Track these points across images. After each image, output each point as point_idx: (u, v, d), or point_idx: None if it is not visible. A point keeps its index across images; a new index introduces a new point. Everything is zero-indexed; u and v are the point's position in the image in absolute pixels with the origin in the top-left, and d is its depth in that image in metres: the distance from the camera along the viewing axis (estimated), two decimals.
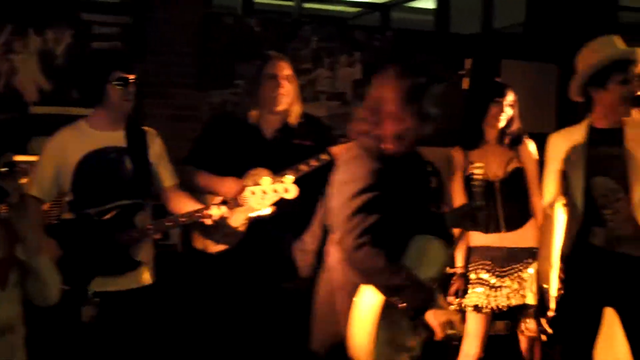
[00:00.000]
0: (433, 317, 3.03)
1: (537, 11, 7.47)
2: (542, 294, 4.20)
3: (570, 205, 3.97)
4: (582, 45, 3.93)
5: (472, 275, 4.49)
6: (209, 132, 4.32)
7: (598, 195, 3.82)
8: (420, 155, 3.36)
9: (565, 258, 3.98)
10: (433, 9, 7.70)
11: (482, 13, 7.46)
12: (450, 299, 4.43)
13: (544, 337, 4.39)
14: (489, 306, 4.43)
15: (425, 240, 3.13)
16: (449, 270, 4.35)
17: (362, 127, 3.15)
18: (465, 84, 4.91)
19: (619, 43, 3.88)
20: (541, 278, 4.17)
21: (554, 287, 4.05)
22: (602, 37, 3.92)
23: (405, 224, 3.09)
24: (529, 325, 4.47)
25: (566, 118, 4.22)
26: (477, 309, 4.44)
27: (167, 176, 3.97)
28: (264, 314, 4.03)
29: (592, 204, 3.83)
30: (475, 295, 4.45)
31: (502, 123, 4.46)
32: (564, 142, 3.97)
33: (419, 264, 3.05)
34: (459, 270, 4.48)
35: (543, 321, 4.26)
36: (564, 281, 3.99)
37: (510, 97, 4.48)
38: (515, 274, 4.43)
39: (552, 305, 4.06)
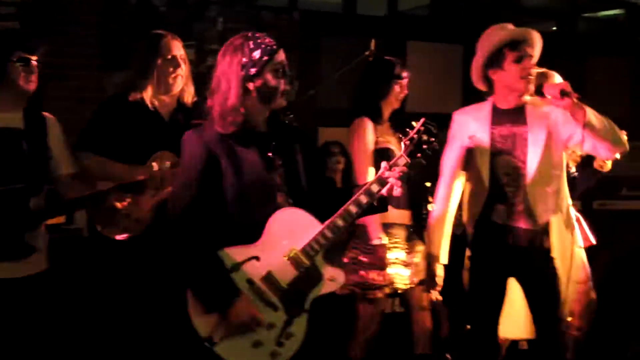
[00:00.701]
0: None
1: None
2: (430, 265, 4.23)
3: (473, 182, 4.06)
4: (486, 26, 4.05)
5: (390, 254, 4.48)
6: (103, 116, 4.13)
7: (502, 173, 3.94)
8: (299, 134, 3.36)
9: (469, 234, 4.08)
10: None
11: None
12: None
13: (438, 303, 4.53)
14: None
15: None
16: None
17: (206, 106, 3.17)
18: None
19: (510, 27, 4.03)
20: (432, 249, 4.21)
21: (443, 258, 4.17)
22: (495, 25, 4.06)
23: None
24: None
25: (471, 98, 4.28)
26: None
27: (64, 164, 3.86)
28: (168, 302, 3.94)
29: (496, 181, 3.94)
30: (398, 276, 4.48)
31: (398, 103, 4.52)
32: (468, 120, 4.08)
33: None
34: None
35: (434, 292, 4.30)
36: (470, 257, 4.09)
37: (406, 77, 4.56)
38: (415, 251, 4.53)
39: (441, 273, 4.19)
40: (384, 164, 3.20)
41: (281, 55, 3.15)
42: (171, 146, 3.83)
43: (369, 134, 4.43)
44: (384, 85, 4.51)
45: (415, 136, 3.20)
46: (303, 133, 3.42)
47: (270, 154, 3.18)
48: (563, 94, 3.74)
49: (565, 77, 4.18)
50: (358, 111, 4.51)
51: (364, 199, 3.17)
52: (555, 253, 3.94)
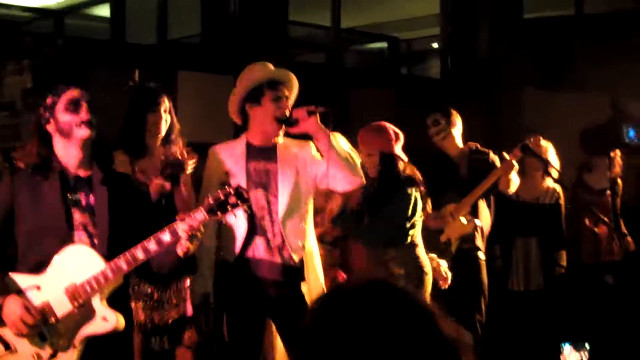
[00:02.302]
0: None
1: (212, 23, 7.59)
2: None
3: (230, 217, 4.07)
4: (255, 57, 4.14)
5: None
6: None
7: (258, 207, 4.07)
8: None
9: (230, 268, 4.10)
10: (109, 17, 7.52)
11: (157, 23, 7.42)
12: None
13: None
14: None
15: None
16: None
17: None
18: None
19: (270, 67, 4.20)
20: (198, 287, 4.19)
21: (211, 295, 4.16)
22: (256, 63, 4.23)
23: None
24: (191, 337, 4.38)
25: (242, 129, 4.32)
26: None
27: None
28: None
29: (253, 215, 4.04)
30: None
31: (162, 131, 4.34)
32: (223, 156, 4.14)
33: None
34: None
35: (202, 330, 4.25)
36: (230, 290, 4.11)
37: (166, 103, 4.37)
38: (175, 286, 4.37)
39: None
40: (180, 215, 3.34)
41: (69, 94, 3.36)
42: None
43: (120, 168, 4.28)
44: (139, 114, 4.29)
45: (222, 197, 3.30)
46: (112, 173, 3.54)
47: (69, 195, 3.32)
48: (310, 113, 3.98)
49: (331, 108, 4.30)
50: (119, 144, 4.30)
51: (152, 246, 3.24)
52: (307, 288, 4.12)
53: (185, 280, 4.27)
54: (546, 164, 5.84)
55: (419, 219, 4.79)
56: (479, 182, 5.41)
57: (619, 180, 6.69)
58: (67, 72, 6.00)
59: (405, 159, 4.81)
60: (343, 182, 4.07)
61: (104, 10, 7.96)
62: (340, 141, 4.18)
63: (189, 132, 4.54)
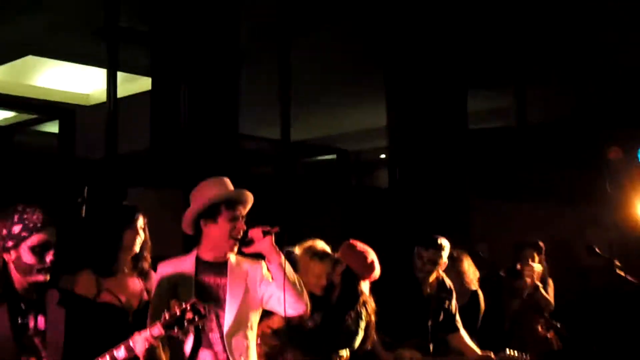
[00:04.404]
0: None
1: (161, 137, 7.64)
2: None
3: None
4: (206, 170, 4.17)
5: None
6: None
7: (205, 320, 4.00)
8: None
9: None
10: (57, 133, 7.54)
11: (107, 138, 7.45)
12: None
13: None
14: None
15: None
16: None
17: None
18: (83, 211, 4.79)
19: (229, 184, 4.23)
20: None
21: None
22: (213, 178, 4.24)
23: None
24: None
25: (192, 243, 4.31)
26: None
27: None
28: None
29: (200, 328, 3.96)
30: None
31: (137, 247, 4.37)
32: (172, 271, 4.13)
33: None
34: None
35: None
36: None
37: (141, 220, 4.42)
38: None
39: None
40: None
41: (40, 237, 3.31)
42: None
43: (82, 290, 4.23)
44: (115, 231, 4.29)
45: (179, 313, 3.38)
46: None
47: (20, 320, 3.31)
48: (265, 233, 4.02)
49: (281, 220, 4.34)
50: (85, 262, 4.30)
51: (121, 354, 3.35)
52: None
53: None
54: None
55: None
56: (443, 327, 5.49)
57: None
58: (16, 188, 5.97)
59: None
60: (289, 307, 4.09)
61: (53, 127, 7.99)
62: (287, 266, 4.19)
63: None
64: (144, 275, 4.37)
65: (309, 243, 4.91)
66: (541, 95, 10.72)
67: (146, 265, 4.36)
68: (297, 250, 4.88)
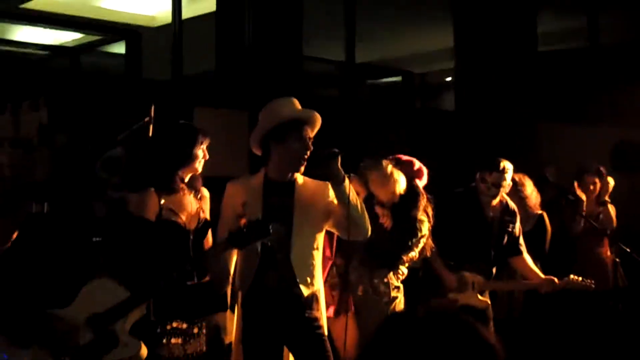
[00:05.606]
0: None
1: (226, 59, 7.63)
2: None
3: (246, 249, 4.07)
4: (271, 92, 4.14)
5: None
6: None
7: (272, 240, 4.00)
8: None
9: (243, 299, 4.12)
10: (124, 54, 7.58)
11: (173, 60, 7.48)
12: None
13: None
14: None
15: None
16: None
17: None
18: (151, 131, 4.80)
19: (296, 104, 4.21)
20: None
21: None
22: (282, 99, 4.23)
23: None
24: None
25: (258, 163, 4.32)
26: None
27: None
28: None
29: (267, 248, 4.05)
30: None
31: (199, 168, 4.38)
32: (241, 190, 4.15)
33: None
34: None
35: None
36: (243, 323, 4.13)
37: (205, 141, 4.41)
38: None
39: None
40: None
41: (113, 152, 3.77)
42: None
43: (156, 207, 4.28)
44: (188, 151, 4.27)
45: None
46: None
47: (94, 238, 3.61)
48: (331, 155, 3.99)
49: (345, 143, 4.31)
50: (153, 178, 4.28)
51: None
52: (324, 320, 4.15)
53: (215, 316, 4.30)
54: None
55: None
56: (506, 251, 5.45)
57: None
58: (83, 109, 6.06)
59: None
60: (351, 232, 4.08)
61: (119, 48, 8.03)
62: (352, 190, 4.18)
63: (206, 166, 4.54)
64: (198, 194, 4.38)
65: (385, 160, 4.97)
66: (613, 17, 10.37)
67: (199, 184, 4.37)
68: (373, 167, 4.93)
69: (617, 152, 8.44)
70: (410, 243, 4.96)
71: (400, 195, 4.95)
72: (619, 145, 8.40)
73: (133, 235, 3.65)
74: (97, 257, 3.58)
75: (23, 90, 6.24)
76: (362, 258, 4.89)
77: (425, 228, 5.02)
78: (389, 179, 4.89)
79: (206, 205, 4.37)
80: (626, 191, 7.43)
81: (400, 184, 4.93)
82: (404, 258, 4.97)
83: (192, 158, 4.31)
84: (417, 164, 5.14)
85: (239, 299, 4.18)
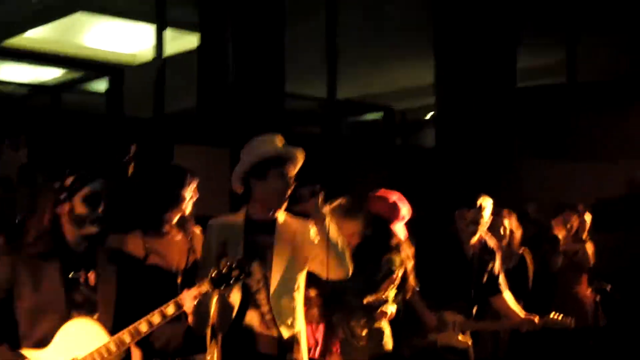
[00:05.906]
0: None
1: (208, 96, 7.64)
2: None
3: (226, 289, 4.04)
4: (252, 129, 4.12)
5: None
6: None
7: (254, 280, 4.01)
8: None
9: (222, 340, 4.08)
10: (105, 92, 7.59)
11: (154, 97, 7.48)
12: None
13: None
14: None
15: None
16: None
17: None
18: (131, 170, 4.78)
19: (279, 141, 4.17)
20: None
21: None
22: (266, 135, 4.19)
23: None
24: None
25: (239, 201, 4.30)
26: None
27: None
28: None
29: (248, 287, 4.00)
30: None
31: (187, 209, 4.35)
32: (222, 229, 4.10)
33: None
34: None
35: None
36: None
37: (193, 182, 4.38)
38: None
39: None
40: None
41: (92, 187, 3.38)
42: None
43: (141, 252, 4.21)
44: (176, 192, 4.22)
45: (225, 270, 3.42)
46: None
47: (71, 274, 3.37)
48: (312, 193, 3.94)
49: (326, 180, 4.31)
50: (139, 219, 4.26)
51: (156, 319, 3.35)
52: None
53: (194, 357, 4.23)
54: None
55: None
56: (486, 290, 5.46)
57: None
58: (63, 147, 6.03)
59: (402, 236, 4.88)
60: (330, 271, 4.06)
61: (100, 86, 8.03)
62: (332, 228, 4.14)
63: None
64: (189, 235, 4.35)
65: (338, 201, 4.85)
66: (592, 53, 10.49)
67: (191, 224, 4.34)
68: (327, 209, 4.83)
69: None
70: (376, 285, 4.86)
71: (366, 235, 4.82)
72: None
73: (115, 274, 3.56)
74: (74, 294, 3.46)
75: (3, 129, 6.22)
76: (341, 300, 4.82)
77: (400, 267, 4.87)
78: (342, 220, 4.76)
79: (199, 244, 4.33)
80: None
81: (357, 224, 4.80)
82: (372, 300, 4.84)
83: (180, 200, 4.28)
84: (393, 198, 4.94)
85: (219, 340, 4.11)
